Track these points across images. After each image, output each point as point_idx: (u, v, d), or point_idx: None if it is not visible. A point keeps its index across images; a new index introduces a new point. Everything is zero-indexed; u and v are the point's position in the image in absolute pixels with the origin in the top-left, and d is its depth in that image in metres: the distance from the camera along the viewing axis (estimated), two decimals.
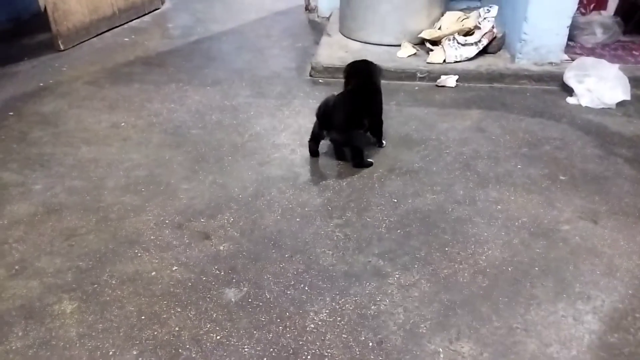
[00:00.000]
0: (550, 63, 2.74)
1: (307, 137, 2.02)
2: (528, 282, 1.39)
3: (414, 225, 1.61)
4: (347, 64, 2.17)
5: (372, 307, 1.31)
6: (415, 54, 2.88)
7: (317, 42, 3.33)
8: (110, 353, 1.18)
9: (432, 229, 1.59)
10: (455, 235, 1.57)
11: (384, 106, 2.07)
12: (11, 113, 2.35)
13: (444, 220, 1.64)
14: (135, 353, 1.18)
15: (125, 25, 3.66)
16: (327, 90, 2.54)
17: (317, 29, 3.73)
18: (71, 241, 1.53)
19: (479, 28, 2.84)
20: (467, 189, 1.79)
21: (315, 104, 2.41)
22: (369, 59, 2.81)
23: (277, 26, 3.82)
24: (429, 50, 2.89)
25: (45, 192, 1.77)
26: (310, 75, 2.83)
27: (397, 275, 1.41)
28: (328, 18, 3.76)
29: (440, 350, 1.18)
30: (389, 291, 1.36)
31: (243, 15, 4.06)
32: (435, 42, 2.90)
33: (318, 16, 3.97)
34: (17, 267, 1.43)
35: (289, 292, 1.36)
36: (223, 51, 3.28)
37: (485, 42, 2.81)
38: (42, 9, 3.09)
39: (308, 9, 4.14)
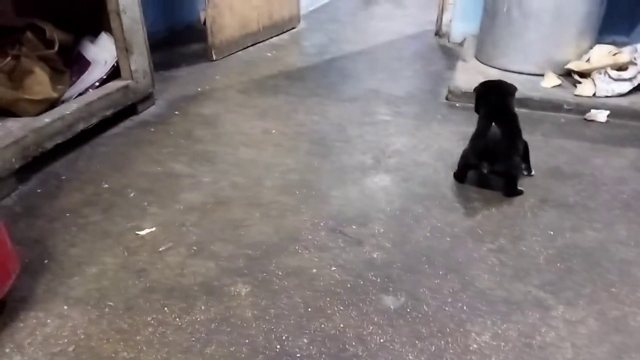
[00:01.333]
0: None
1: (449, 158, 2.04)
2: None
3: (574, 261, 1.55)
4: (481, 84, 2.08)
5: (538, 338, 1.27)
6: (560, 84, 2.79)
7: (449, 67, 3.35)
8: (284, 337, 1.27)
9: (595, 267, 1.52)
10: (622, 277, 1.48)
11: (529, 136, 2.03)
12: (177, 112, 2.63)
13: (608, 259, 1.56)
14: (305, 341, 1.26)
15: (267, 42, 3.95)
16: (465, 115, 2.55)
17: (449, 53, 3.75)
18: (240, 231, 1.68)
19: (634, 64, 2.68)
20: (631, 231, 1.69)
21: (454, 127, 2.44)
22: None
23: (408, 49, 3.90)
24: (575, 82, 2.78)
25: (213, 184, 1.95)
26: (447, 99, 2.84)
27: (561, 309, 1.36)
28: (461, 44, 3.77)
29: None
30: (554, 324, 1.32)
31: (374, 38, 4.19)
32: (583, 75, 2.78)
33: (449, 41, 3.99)
34: (195, 247, 1.60)
35: (447, 308, 1.37)
36: (357, 70, 3.40)
37: None
38: (202, 22, 3.43)
39: (439, 34, 4.18)
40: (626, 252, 1.59)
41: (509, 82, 2.06)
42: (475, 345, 1.25)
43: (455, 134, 2.38)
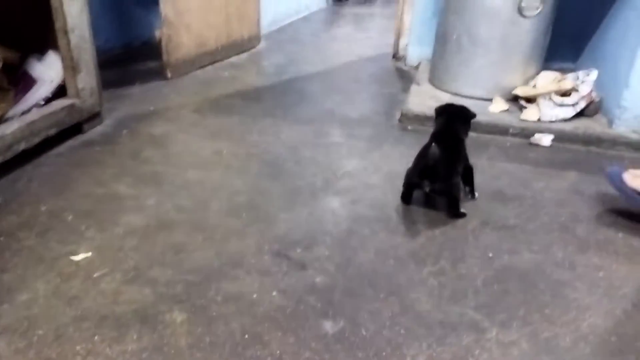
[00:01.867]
0: None
1: (398, 181, 2.08)
2: (633, 355, 1.34)
3: (511, 283, 1.60)
4: (441, 105, 2.21)
5: None
6: (507, 109, 2.91)
7: (404, 90, 3.45)
8: None
9: (530, 289, 1.58)
10: (555, 298, 1.54)
11: (475, 160, 2.11)
12: (125, 131, 2.60)
13: (543, 281, 1.62)
14: None
15: (225, 61, 3.97)
16: (416, 137, 2.62)
17: (404, 77, 3.86)
18: (180, 255, 1.66)
19: (577, 90, 2.83)
20: (567, 252, 1.76)
21: (405, 150, 2.50)
22: None
23: (365, 71, 3.99)
24: (521, 107, 2.91)
25: (157, 207, 1.93)
26: (400, 122, 2.92)
27: (495, 331, 1.40)
28: (416, 67, 3.89)
29: None
30: (487, 346, 1.35)
31: (333, 59, 4.28)
32: (529, 100, 2.91)
33: (405, 65, 4.11)
34: (132, 273, 1.57)
35: (384, 332, 1.39)
36: (314, 91, 3.46)
37: (582, 104, 2.80)
38: (157, 40, 3.42)
39: (396, 57, 4.30)
40: (561, 274, 1.66)
41: (469, 108, 2.15)
42: None
43: (405, 157, 2.43)
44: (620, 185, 1.93)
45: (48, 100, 2.44)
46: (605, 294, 1.57)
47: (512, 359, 1.32)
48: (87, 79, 2.49)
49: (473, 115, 2.14)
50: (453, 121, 2.10)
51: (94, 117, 2.59)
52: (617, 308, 1.52)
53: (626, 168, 1.97)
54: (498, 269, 1.67)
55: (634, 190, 1.89)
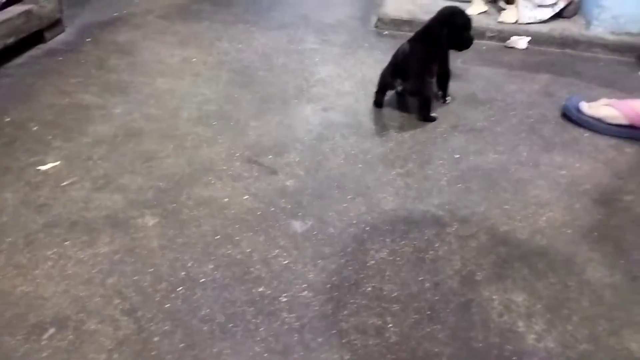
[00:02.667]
0: (628, 33, 2.60)
1: (371, 87, 2.03)
2: (586, 245, 1.40)
3: (474, 182, 1.63)
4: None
5: (430, 252, 1.35)
6: (486, 11, 2.79)
7: None
8: (189, 265, 1.28)
9: (493, 187, 1.61)
10: (516, 195, 1.58)
11: (450, 64, 2.04)
12: (89, 39, 2.45)
13: (506, 179, 1.64)
14: (211, 267, 1.28)
15: None
16: (392, 43, 2.51)
17: None
18: (151, 163, 1.63)
19: None
20: (532, 152, 1.78)
21: (380, 55, 2.42)
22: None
23: None
24: (500, 9, 2.78)
25: (125, 116, 1.87)
26: (376, 27, 2.79)
27: (455, 226, 1.44)
28: None
29: (495, 297, 1.23)
30: (447, 239, 1.40)
31: None
32: (509, 1, 2.78)
33: None
34: (101, 181, 1.55)
35: (351, 229, 1.42)
36: None
37: (561, 5, 2.69)
38: None
39: None
40: (524, 172, 1.68)
41: (463, 13, 1.95)
42: (372, 261, 1.32)
43: (379, 62, 2.34)
44: (578, 115, 1.93)
45: (3, 7, 2.26)
46: (566, 191, 1.61)
47: (469, 250, 1.37)
48: None
49: (464, 21, 1.96)
50: (437, 23, 1.97)
51: (55, 24, 2.42)
52: (576, 203, 1.56)
53: (583, 98, 1.97)
54: (463, 169, 1.68)
55: (591, 117, 1.90)
